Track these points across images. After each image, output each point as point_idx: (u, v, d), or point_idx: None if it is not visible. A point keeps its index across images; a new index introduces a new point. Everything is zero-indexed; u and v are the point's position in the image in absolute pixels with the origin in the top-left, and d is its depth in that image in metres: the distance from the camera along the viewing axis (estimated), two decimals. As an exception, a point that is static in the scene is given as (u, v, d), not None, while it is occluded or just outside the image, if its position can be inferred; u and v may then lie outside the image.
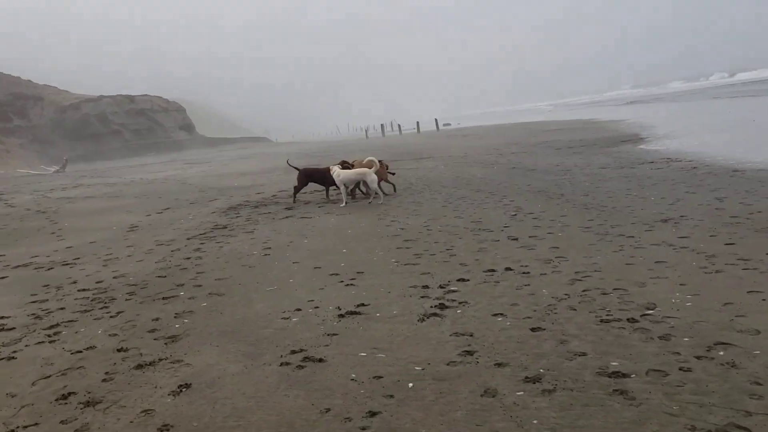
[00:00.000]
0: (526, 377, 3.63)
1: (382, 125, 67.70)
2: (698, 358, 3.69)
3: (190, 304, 5.85)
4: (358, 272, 6.47)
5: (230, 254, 7.98)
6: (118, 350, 4.72)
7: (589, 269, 5.80)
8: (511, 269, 6.04)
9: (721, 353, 3.72)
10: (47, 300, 6.44)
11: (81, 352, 4.75)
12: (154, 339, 4.93)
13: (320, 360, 4.18)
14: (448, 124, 68.68)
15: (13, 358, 4.76)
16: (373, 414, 3.36)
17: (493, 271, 6.05)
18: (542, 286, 5.39)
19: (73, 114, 68.46)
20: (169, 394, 3.84)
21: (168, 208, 13.46)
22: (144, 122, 73.10)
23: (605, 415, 3.14)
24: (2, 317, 5.87)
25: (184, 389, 3.90)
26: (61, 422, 3.60)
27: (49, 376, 4.31)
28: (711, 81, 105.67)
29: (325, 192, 12.88)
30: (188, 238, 9.41)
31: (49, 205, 16.00)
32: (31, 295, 6.71)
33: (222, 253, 8.12)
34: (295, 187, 12.77)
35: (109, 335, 5.11)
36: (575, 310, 4.72)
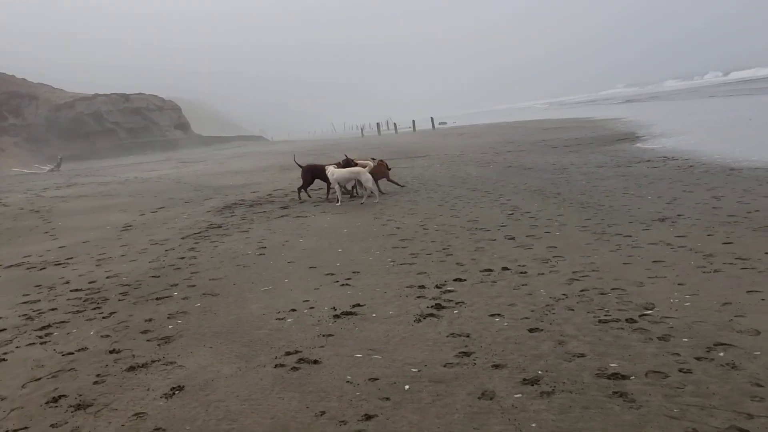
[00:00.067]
0: (524, 379, 3.58)
1: (377, 124, 67.56)
2: (698, 359, 3.65)
3: (183, 304, 5.79)
4: (353, 272, 6.42)
5: (225, 254, 7.91)
6: (111, 352, 4.65)
7: (586, 269, 5.76)
8: (508, 269, 6.00)
9: (721, 354, 3.68)
10: (39, 300, 6.36)
11: (72, 353, 4.68)
12: (147, 340, 4.86)
13: (315, 361, 4.12)
14: (444, 123, 68.62)
15: (3, 359, 4.69)
16: (368, 417, 3.30)
17: (490, 270, 6.00)
18: (540, 286, 5.35)
19: (67, 112, 67.96)
20: (161, 397, 3.78)
21: (162, 207, 13.37)
22: (139, 121, 72.62)
23: (605, 418, 3.09)
24: (-7, 318, 5.79)
25: (177, 392, 3.83)
26: (52, 425, 3.54)
27: (39, 379, 4.24)
28: (706, 80, 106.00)
29: (325, 190, 12.83)
30: (182, 238, 9.33)
31: (42, 204, 15.89)
32: (23, 295, 6.63)
33: (216, 252, 8.05)
34: (301, 186, 12.70)
35: (102, 336, 5.04)
36: (573, 310, 4.68)
